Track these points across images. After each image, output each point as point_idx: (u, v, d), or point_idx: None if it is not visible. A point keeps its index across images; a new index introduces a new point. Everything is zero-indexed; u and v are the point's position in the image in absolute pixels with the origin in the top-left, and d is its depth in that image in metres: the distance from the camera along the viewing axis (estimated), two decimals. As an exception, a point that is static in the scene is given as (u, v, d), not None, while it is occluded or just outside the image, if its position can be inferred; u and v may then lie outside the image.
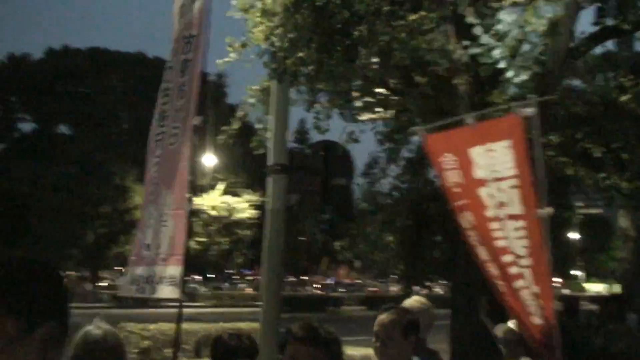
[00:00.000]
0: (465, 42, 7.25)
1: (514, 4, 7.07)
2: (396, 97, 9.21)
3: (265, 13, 7.14)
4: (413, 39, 7.23)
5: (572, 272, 58.00)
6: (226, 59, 8.57)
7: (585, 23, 8.24)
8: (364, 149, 10.07)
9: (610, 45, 9.82)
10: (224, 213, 41.39)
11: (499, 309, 5.29)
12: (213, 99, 36.31)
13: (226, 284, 50.20)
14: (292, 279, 52.90)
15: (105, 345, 3.17)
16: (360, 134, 9.76)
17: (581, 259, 55.39)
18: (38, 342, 1.42)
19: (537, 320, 4.18)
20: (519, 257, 4.17)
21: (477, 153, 4.28)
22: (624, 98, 9.04)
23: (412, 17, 7.19)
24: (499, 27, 7.31)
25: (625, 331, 3.90)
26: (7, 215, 40.89)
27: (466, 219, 4.46)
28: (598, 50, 9.70)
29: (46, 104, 49.78)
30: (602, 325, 6.87)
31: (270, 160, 7.47)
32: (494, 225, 4.25)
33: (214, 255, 44.73)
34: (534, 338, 4.22)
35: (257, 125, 9.05)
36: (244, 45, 7.76)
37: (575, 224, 44.60)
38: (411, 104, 8.12)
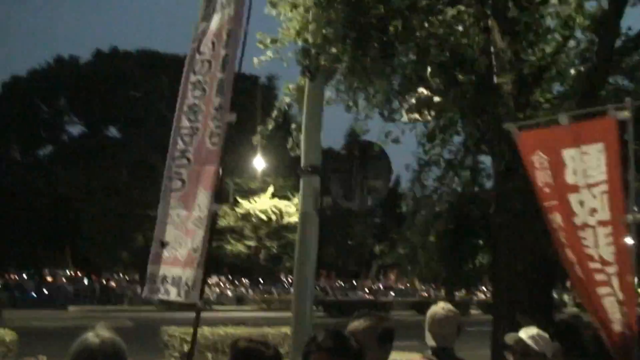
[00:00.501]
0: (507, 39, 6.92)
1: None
2: (439, 98, 8.89)
3: (295, 7, 6.92)
4: (451, 35, 6.91)
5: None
6: (262, 57, 8.38)
7: (633, 19, 7.76)
8: (407, 150, 9.78)
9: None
10: (274, 217, 41.45)
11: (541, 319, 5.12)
12: (263, 102, 36.34)
13: (276, 288, 50.26)
14: (342, 283, 52.70)
15: (102, 356, 2.91)
16: (402, 134, 9.44)
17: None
18: None
19: (618, 327, 4.19)
20: (606, 263, 4.18)
21: (569, 155, 4.29)
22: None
23: (451, 11, 6.88)
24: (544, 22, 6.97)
25: None
26: (57, 218, 41.86)
27: (554, 220, 4.46)
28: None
29: (95, 107, 50.74)
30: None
31: (302, 162, 7.24)
32: (582, 232, 4.27)
33: (264, 259, 44.86)
34: (614, 345, 4.23)
35: (294, 126, 8.82)
36: (274, 41, 7.54)
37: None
38: (451, 103, 7.78)
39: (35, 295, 38.13)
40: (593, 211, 4.20)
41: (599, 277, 4.22)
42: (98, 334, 2.94)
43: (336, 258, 49.52)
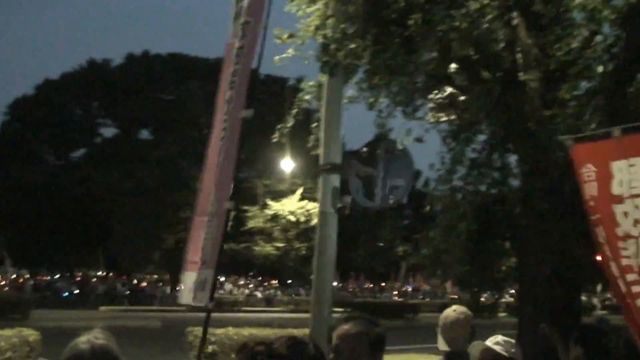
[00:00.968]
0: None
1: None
2: (462, 96, 8.69)
3: (314, 2, 6.79)
4: (474, 29, 6.71)
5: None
6: (283, 55, 8.27)
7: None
8: (432, 149, 9.57)
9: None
10: (302, 218, 41.35)
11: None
12: (292, 103, 36.25)
13: (304, 290, 50.13)
14: (371, 285, 52.41)
15: None
16: (426, 133, 9.25)
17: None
18: None
19: None
20: None
21: (618, 167, 4.34)
22: None
23: (473, 5, 6.68)
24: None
25: None
26: (89, 220, 42.27)
27: (600, 234, 4.46)
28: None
29: (127, 109, 51.22)
30: None
31: (321, 159, 7.11)
32: (623, 243, 4.28)
33: (293, 261, 44.78)
34: None
35: (315, 124, 8.69)
36: (291, 36, 7.42)
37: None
38: (475, 100, 7.58)
39: (66, 295, 38.57)
40: (636, 222, 4.22)
41: (636, 288, 4.22)
42: (89, 339, 2.80)
43: (365, 260, 49.24)
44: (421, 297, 49.21)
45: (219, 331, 15.58)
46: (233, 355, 15.15)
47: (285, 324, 18.18)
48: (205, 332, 4.30)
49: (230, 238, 46.47)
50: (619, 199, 4.30)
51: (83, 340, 2.78)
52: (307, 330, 15.00)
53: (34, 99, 59.16)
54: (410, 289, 51.39)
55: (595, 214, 4.51)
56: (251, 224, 44.44)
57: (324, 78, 7.89)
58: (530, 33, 7.10)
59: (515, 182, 8.53)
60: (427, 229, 9.21)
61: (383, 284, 52.45)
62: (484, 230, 8.61)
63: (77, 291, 41.09)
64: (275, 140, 8.50)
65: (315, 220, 30.86)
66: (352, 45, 6.75)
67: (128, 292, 41.12)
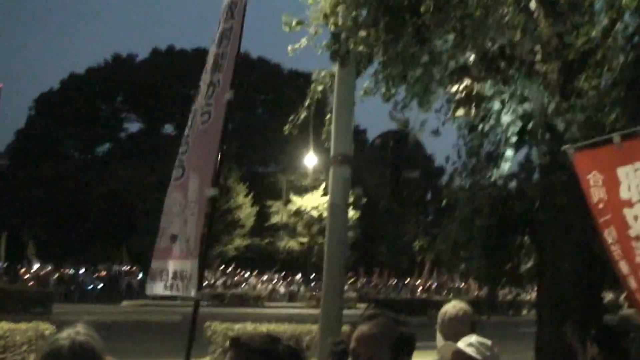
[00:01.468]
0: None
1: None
2: (479, 88, 8.45)
3: (320, -13, 6.61)
4: (490, 17, 6.49)
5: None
6: (296, 45, 8.10)
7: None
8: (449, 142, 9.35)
9: None
10: (326, 213, 41.27)
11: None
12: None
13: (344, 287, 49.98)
14: (395, 281, 52.10)
15: (70, 359, 2.60)
16: (442, 126, 9.02)
17: None
18: None
19: None
20: None
21: (624, 172, 4.49)
22: None
23: (489, -9, 6.45)
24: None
25: None
26: (114, 214, 42.55)
27: (610, 235, 4.65)
28: None
29: (152, 104, 51.53)
30: None
31: (332, 151, 6.94)
32: (636, 243, 4.46)
33: (316, 256, 44.71)
34: None
35: (328, 116, 8.51)
36: (300, 23, 7.24)
37: None
38: (491, 90, 7.36)
39: (90, 289, 38.90)
40: None
41: None
42: (70, 335, 2.69)
43: (389, 256, 48.97)
44: (445, 293, 48.80)
45: (237, 326, 15.54)
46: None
47: (305, 320, 18.08)
48: (194, 324, 4.16)
49: (254, 233, 46.61)
50: (629, 203, 4.46)
51: (63, 336, 2.66)
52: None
53: (59, 93, 59.81)
54: (434, 285, 50.98)
55: (605, 216, 4.66)
56: (275, 219, 44.46)
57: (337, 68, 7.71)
58: (547, 19, 6.84)
59: (534, 176, 8.29)
60: (444, 224, 8.99)
61: (407, 280, 52.11)
62: (502, 225, 8.37)
63: (100, 285, 41.42)
64: (286, 131, 8.34)
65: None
66: (363, 34, 6.56)
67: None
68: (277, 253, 45.84)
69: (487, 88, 7.64)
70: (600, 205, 4.69)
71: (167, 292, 4.57)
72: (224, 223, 43.02)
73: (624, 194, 4.49)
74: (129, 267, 45.31)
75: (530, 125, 7.46)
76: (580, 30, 6.49)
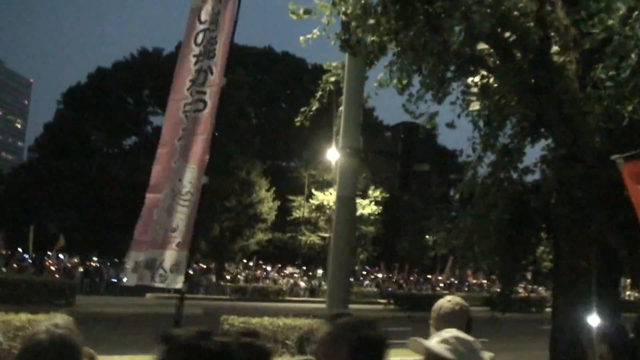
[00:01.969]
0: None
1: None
2: (494, 78, 8.26)
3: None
4: (501, 3, 6.30)
5: None
6: (309, 36, 7.97)
7: None
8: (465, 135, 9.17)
9: None
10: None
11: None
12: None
13: (350, 280, 49.90)
14: (416, 277, 51.85)
15: (50, 353, 2.55)
16: (457, 118, 8.84)
17: None
18: None
19: None
20: None
21: None
22: None
23: (501, -23, 6.27)
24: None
25: None
26: (139, 205, 42.70)
27: None
28: None
29: (176, 98, 51.73)
30: None
31: (340, 142, 6.81)
32: None
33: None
34: None
35: (341, 108, 8.37)
36: (307, 12, 7.10)
37: None
38: (505, 80, 7.16)
39: (114, 281, 39.21)
40: None
41: None
42: (48, 329, 2.64)
43: (410, 251, 48.74)
44: (466, 289, 48.40)
45: (255, 320, 15.49)
46: (269, 345, 15.06)
47: (323, 315, 17.99)
48: (179, 315, 4.05)
49: (276, 228, 46.61)
50: None
51: (42, 330, 2.62)
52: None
53: (87, 88, 60.40)
54: (456, 281, 50.59)
55: None
56: (297, 213, 44.41)
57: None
58: (562, 7, 6.64)
59: (549, 169, 8.07)
60: (458, 218, 8.82)
61: (429, 276, 51.80)
62: (517, 219, 8.18)
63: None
64: (298, 123, 8.21)
65: (360, 211, 30.67)
66: (372, 22, 6.41)
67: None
68: (298, 248, 45.80)
69: (501, 78, 7.44)
70: None
71: (139, 281, 4.48)
72: (246, 217, 43.08)
73: None
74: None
75: (545, 117, 7.26)
76: (597, 19, 6.28)
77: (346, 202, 6.78)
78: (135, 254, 4.46)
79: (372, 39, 6.90)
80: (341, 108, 8.19)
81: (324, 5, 6.88)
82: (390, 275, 49.54)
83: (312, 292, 42.10)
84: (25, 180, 56.91)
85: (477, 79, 8.55)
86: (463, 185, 8.64)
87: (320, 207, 42.95)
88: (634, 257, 7.32)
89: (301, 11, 7.08)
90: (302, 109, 8.32)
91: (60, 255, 40.04)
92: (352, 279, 50.31)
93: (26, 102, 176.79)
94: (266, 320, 15.98)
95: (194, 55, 4.84)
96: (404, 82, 7.69)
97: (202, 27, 4.75)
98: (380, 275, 49.29)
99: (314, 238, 43.55)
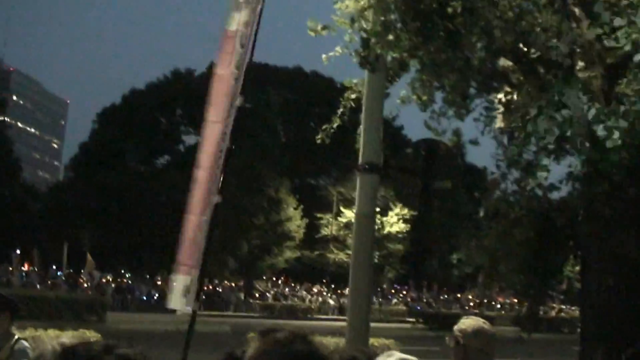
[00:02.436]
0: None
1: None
2: (517, 94, 8.17)
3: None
4: (522, 19, 6.24)
5: None
6: (331, 54, 7.98)
7: None
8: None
9: None
10: (375, 227, 40.97)
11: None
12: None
13: (377, 299, 49.65)
14: (446, 296, 51.31)
15: None
16: (481, 136, 8.74)
17: None
18: None
19: None
20: None
21: None
22: None
23: (521, -7, 6.21)
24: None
25: None
26: (171, 224, 43.05)
27: None
28: None
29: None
30: None
31: (360, 159, 6.77)
32: None
33: (367, 270, 44.33)
34: None
35: (362, 126, 8.33)
36: (325, 28, 7.10)
37: None
38: (528, 97, 7.08)
39: (146, 298, 39.49)
40: None
41: None
42: (54, 348, 2.64)
43: (439, 270, 48.26)
44: (498, 309, 47.69)
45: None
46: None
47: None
48: (190, 335, 4.01)
49: (304, 245, 46.56)
50: None
51: (48, 350, 2.61)
52: (380, 341, 14.75)
53: (121, 107, 61.41)
54: (486, 300, 49.86)
55: None
56: (325, 231, 44.34)
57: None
58: (584, 22, 6.55)
59: (575, 186, 7.92)
60: (481, 236, 8.70)
61: (458, 295, 51.19)
62: (543, 237, 8.04)
63: (157, 295, 42.01)
64: (319, 140, 8.20)
65: (388, 229, 30.43)
66: (391, 38, 6.39)
67: (204, 297, 41.77)
68: (327, 265, 45.68)
69: (525, 95, 7.36)
70: None
71: (182, 309, 4.47)
72: (275, 235, 43.13)
73: None
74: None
75: (569, 133, 7.14)
76: (620, 33, 6.18)
77: (365, 220, 6.72)
78: (183, 278, 4.44)
79: (393, 55, 6.88)
80: (362, 126, 8.17)
81: (343, 22, 6.88)
82: (419, 293, 49.11)
83: (341, 310, 41.87)
84: (61, 198, 57.80)
85: (500, 95, 8.47)
86: (487, 203, 8.53)
87: (348, 225, 42.82)
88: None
89: (319, 28, 7.08)
90: (324, 127, 8.30)
91: (94, 271, 40.48)
92: (380, 298, 50.15)
93: (62, 122, 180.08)
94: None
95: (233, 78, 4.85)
96: (426, 98, 7.64)
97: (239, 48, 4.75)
98: (408, 294, 48.89)
99: (342, 256, 43.42)
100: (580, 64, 7.43)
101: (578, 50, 7.23)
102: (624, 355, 5.25)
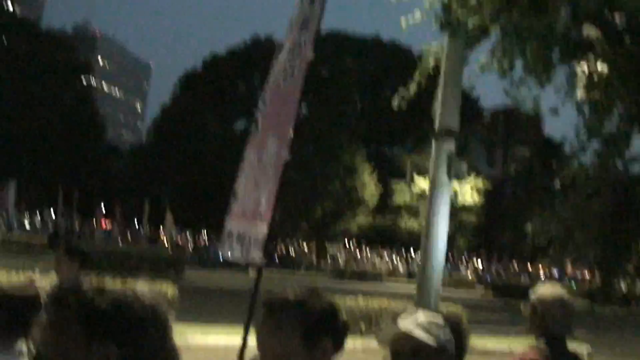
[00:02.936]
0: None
1: None
2: (602, 64, 7.97)
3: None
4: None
5: None
6: (410, 20, 7.96)
7: None
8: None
9: None
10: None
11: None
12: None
13: (446, 267, 49.45)
14: (516, 267, 50.62)
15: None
16: (561, 105, 8.58)
17: None
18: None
19: None
20: None
21: None
22: None
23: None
24: None
25: None
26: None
27: None
28: None
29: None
30: None
31: (437, 124, 6.80)
32: None
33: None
34: None
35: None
36: (403, -8, 7.08)
37: None
38: (613, 67, 6.91)
39: (220, 258, 40.57)
40: None
41: None
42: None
43: (511, 241, 47.54)
44: (567, 281, 46.73)
45: (349, 302, 15.67)
46: (362, 325, 15.18)
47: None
48: (256, 291, 4.00)
49: (377, 212, 46.71)
50: None
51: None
52: (451, 308, 14.75)
53: (201, 72, 62.59)
54: (556, 271, 48.90)
55: None
56: (398, 199, 44.35)
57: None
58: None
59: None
60: (557, 207, 8.59)
61: (529, 266, 50.42)
62: (621, 210, 7.90)
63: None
64: (395, 107, 8.21)
65: (460, 198, 30.19)
66: (473, 2, 6.35)
67: (277, 259, 42.62)
68: (398, 233, 45.75)
69: (609, 65, 7.18)
70: None
71: (230, 255, 4.46)
72: (348, 201, 43.46)
73: None
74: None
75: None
76: None
77: (440, 187, 6.77)
78: (231, 226, 4.55)
79: (473, 21, 6.83)
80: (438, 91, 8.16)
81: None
82: (489, 263, 48.69)
83: (410, 275, 42.01)
84: (143, 159, 59.79)
85: (584, 64, 8.28)
86: (564, 174, 8.42)
87: (421, 194, 42.69)
88: None
89: (398, -7, 7.08)
90: (400, 91, 8.30)
91: (173, 229, 41.89)
92: (450, 266, 49.89)
93: (146, 85, 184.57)
94: (360, 300, 16.14)
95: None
96: (506, 66, 7.55)
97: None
98: (479, 264, 48.52)
99: (414, 224, 43.35)
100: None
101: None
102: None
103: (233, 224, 4.48)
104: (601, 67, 8.00)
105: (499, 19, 6.69)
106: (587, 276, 45.88)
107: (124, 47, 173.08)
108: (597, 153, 7.85)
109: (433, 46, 7.98)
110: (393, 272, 42.16)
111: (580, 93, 8.43)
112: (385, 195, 45.56)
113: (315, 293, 2.04)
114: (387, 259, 45.29)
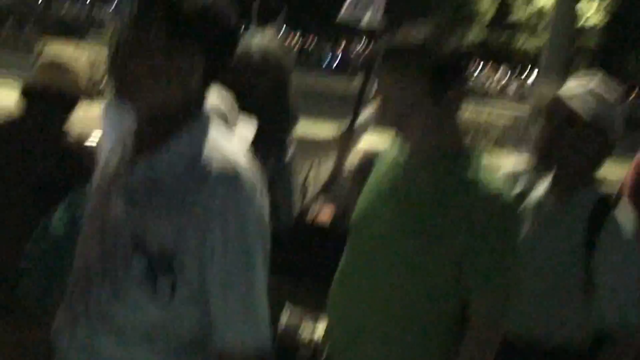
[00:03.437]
0: None
1: None
2: None
3: None
4: None
5: None
6: None
7: None
8: None
9: None
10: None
11: None
12: None
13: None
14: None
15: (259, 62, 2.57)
16: None
17: None
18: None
19: None
20: None
21: None
22: None
23: None
24: None
25: None
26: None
27: None
28: None
29: None
30: None
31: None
32: None
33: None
34: None
35: None
36: None
37: None
38: None
39: (328, 61, 40.59)
40: None
41: None
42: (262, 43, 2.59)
43: (637, 66, 44.77)
44: None
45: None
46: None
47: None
48: (362, 92, 3.16)
49: (492, 28, 44.72)
50: None
51: (255, 42, 2.57)
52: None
53: None
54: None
55: None
56: (515, 15, 42.24)
57: None
58: None
59: None
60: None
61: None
62: None
63: (339, 58, 43.13)
64: None
65: (586, 20, 28.10)
66: None
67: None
68: (512, 52, 44.06)
69: None
70: None
71: (349, 15, 3.80)
72: (461, 14, 41.74)
73: None
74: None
75: None
76: None
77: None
78: None
79: None
80: None
81: None
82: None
83: (521, 97, 41.12)
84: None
85: None
86: None
87: (541, 12, 40.30)
88: None
89: None
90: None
91: (281, 29, 42.01)
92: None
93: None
94: (469, 114, 16.13)
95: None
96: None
97: None
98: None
99: (531, 43, 41.41)
100: None
101: None
102: None
103: None
104: None
105: None
106: None
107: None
108: None
109: None
110: (504, 91, 41.22)
111: None
112: (502, 11, 43.21)
113: (442, 35, 1.86)
114: (498, 78, 44.06)
